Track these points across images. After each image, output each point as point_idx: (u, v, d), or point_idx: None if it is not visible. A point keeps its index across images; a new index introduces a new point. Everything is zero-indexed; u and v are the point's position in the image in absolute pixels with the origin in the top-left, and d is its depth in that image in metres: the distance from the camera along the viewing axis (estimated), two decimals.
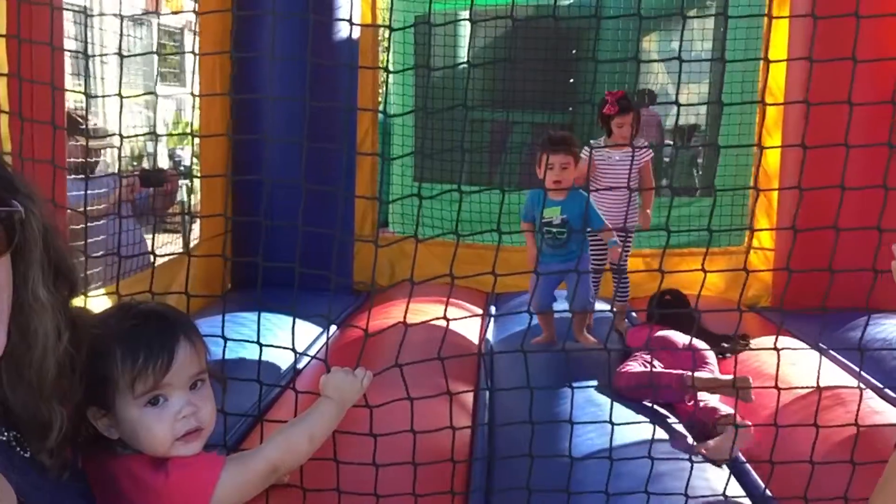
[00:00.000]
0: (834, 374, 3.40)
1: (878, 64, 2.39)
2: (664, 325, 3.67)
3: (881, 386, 3.31)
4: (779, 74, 5.09)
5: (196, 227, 5.48)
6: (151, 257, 2.31)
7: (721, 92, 5.98)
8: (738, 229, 5.60)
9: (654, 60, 7.56)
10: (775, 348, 2.19)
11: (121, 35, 2.22)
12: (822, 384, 2.40)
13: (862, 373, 2.92)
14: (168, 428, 1.45)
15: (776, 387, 2.23)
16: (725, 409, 2.97)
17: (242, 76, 4.42)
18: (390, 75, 6.10)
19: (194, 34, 2.58)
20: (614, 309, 4.56)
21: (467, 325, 4.12)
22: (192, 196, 5.75)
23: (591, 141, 4.75)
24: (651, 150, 4.78)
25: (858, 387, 2.32)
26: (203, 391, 1.50)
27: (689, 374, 3.01)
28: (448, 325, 1.93)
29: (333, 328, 4.33)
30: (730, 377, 2.99)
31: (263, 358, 2.19)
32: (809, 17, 2.11)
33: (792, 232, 2.23)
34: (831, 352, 3.63)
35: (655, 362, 3.28)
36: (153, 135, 2.17)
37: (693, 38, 6.84)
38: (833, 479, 2.18)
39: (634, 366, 3.32)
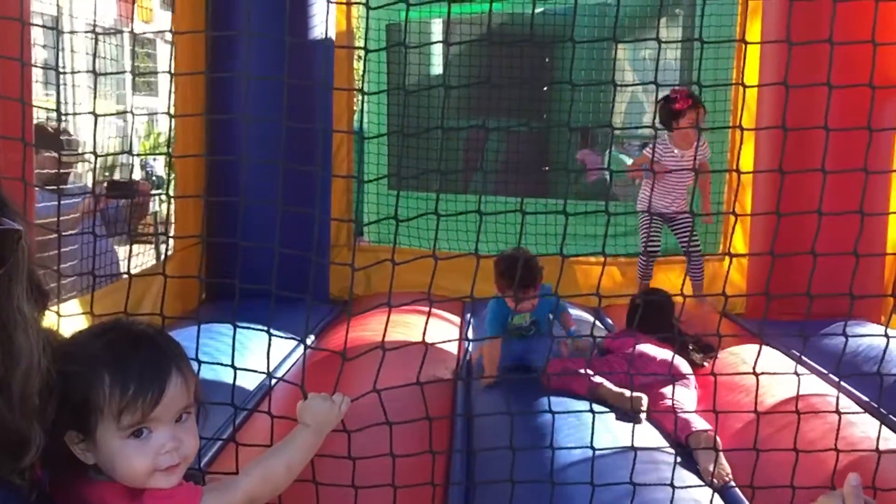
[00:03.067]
0: (810, 382, 3.43)
1: (854, 86, 2.41)
2: (643, 332, 3.66)
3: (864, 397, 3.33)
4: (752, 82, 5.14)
5: (170, 238, 5.41)
6: (122, 268, 2.28)
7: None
8: (717, 254, 5.67)
9: (630, 84, 7.62)
10: (755, 373, 2.21)
11: (94, 55, 2.18)
12: (799, 392, 2.42)
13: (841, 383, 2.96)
14: (149, 462, 1.39)
15: (755, 411, 2.25)
16: (700, 424, 2.97)
17: (217, 87, 4.40)
18: (365, 84, 6.09)
19: (170, 44, 2.55)
20: (688, 291, 4.77)
21: (445, 334, 4.11)
22: (166, 206, 5.68)
23: (655, 143, 4.83)
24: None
25: (837, 411, 2.34)
26: (188, 423, 1.44)
27: (599, 383, 3.15)
28: (427, 349, 1.92)
29: (311, 338, 4.30)
30: (640, 395, 3.12)
31: (237, 374, 2.15)
32: (783, 42, 2.12)
33: (765, 239, 2.24)
34: (804, 358, 3.66)
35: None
36: (129, 153, 2.13)
37: (662, 47, 6.89)
38: (813, 492, 2.19)
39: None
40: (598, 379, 3.18)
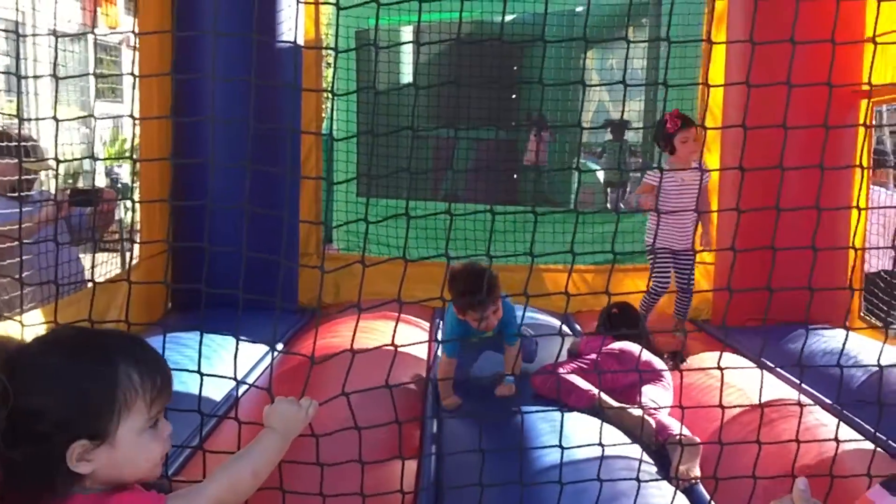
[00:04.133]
0: (775, 386, 3.47)
1: (813, 84, 2.45)
2: (612, 339, 3.69)
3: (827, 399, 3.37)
4: (717, 90, 5.21)
5: (136, 244, 5.34)
6: (85, 277, 2.24)
7: (658, 109, 6.09)
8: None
9: (599, 84, 7.69)
10: (719, 367, 2.22)
11: (55, 62, 2.14)
12: (764, 396, 2.45)
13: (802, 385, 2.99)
14: (162, 449, 1.47)
15: (720, 405, 2.27)
16: (675, 427, 2.99)
17: (183, 90, 4.34)
18: (334, 88, 6.06)
19: (133, 49, 2.51)
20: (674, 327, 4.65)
21: (416, 339, 4.09)
22: (132, 213, 5.61)
23: (654, 167, 4.75)
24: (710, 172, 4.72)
25: (799, 403, 2.37)
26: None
27: (599, 395, 3.05)
28: (396, 353, 1.90)
29: (280, 346, 4.27)
30: (639, 412, 3.03)
31: (204, 382, 2.12)
32: (746, 41, 2.14)
33: (730, 247, 2.26)
34: (769, 363, 3.71)
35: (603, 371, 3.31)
36: (91, 158, 2.10)
37: (630, 57, 6.97)
38: (777, 490, 2.21)
39: (569, 370, 3.31)
40: (604, 396, 3.11)
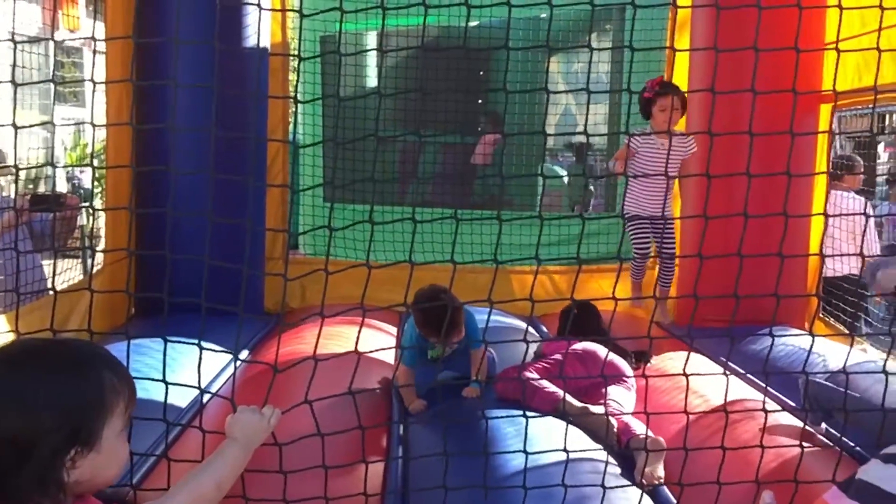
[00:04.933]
0: (736, 387, 3.51)
1: (776, 91, 2.49)
2: (577, 337, 3.70)
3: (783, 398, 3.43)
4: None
5: (98, 251, 5.28)
6: (47, 283, 2.22)
7: (621, 112, 6.15)
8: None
9: (563, 91, 7.74)
10: (684, 373, 2.26)
11: (13, 65, 2.12)
12: (728, 397, 2.49)
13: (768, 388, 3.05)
14: (128, 451, 1.50)
15: (685, 411, 2.30)
16: (639, 428, 3.01)
17: (148, 93, 4.31)
18: (299, 94, 6.03)
19: (94, 52, 2.48)
20: (657, 295, 4.63)
21: (382, 345, 4.09)
22: (94, 219, 5.54)
23: (636, 130, 4.65)
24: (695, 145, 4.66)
25: (764, 409, 2.41)
26: None
27: (564, 398, 3.07)
28: (359, 360, 1.91)
29: (245, 353, 4.24)
30: (602, 411, 3.04)
31: (168, 389, 2.11)
32: (711, 49, 2.18)
33: (695, 249, 2.30)
34: (733, 365, 3.76)
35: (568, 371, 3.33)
36: (51, 165, 2.08)
37: (593, 60, 7.03)
38: (741, 494, 2.26)
39: (534, 374, 3.32)
40: (568, 398, 3.13)
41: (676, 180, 4.74)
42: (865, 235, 4.72)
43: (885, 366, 2.50)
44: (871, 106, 4.39)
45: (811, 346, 2.62)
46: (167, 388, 2.04)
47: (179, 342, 2.66)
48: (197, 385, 2.07)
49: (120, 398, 1.43)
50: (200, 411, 2.44)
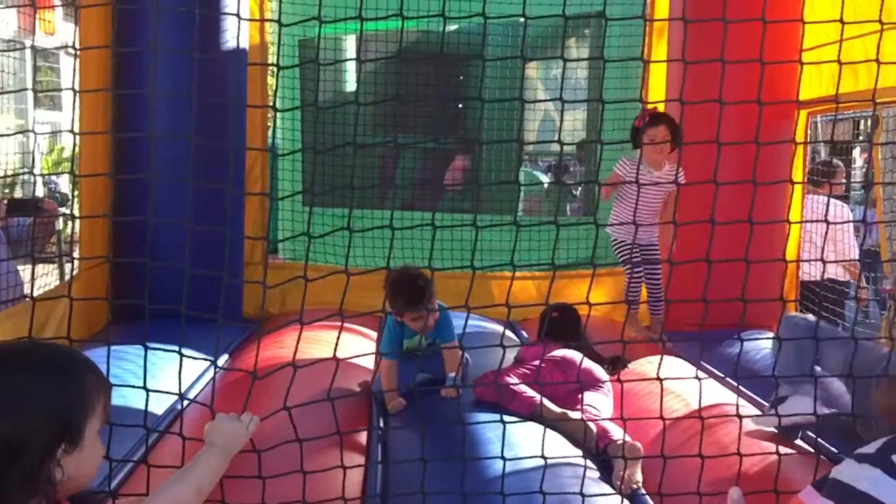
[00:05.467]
0: (714, 390, 3.55)
1: (746, 95, 2.53)
2: (555, 341, 3.71)
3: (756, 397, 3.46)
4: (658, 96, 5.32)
5: (75, 253, 5.23)
6: (24, 290, 2.20)
7: (600, 119, 6.16)
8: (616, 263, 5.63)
9: (539, 101, 7.77)
10: (658, 378, 2.28)
11: None
12: (706, 400, 2.52)
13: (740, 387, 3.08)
14: (103, 450, 1.52)
15: (661, 417, 2.33)
16: (617, 433, 3.03)
17: (126, 98, 4.28)
18: (278, 100, 6.02)
19: (75, 58, 2.45)
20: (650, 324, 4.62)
21: (362, 349, 4.08)
22: (72, 224, 5.50)
23: (625, 157, 4.57)
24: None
25: (738, 414, 2.44)
26: None
27: (541, 403, 3.10)
28: (338, 366, 1.91)
29: (225, 357, 4.22)
30: (578, 416, 3.08)
31: (145, 397, 2.10)
32: (681, 61, 2.22)
33: (676, 255, 2.33)
34: (709, 366, 3.80)
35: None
36: (30, 173, 2.06)
37: (572, 66, 7.06)
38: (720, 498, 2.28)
39: (513, 378, 3.34)
40: (546, 402, 3.15)
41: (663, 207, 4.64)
42: (844, 240, 4.79)
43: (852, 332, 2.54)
44: (846, 112, 4.46)
45: (779, 347, 2.66)
46: (147, 395, 2.04)
47: (159, 349, 2.65)
48: (177, 392, 2.07)
49: (101, 397, 1.46)
50: (179, 417, 2.44)
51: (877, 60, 2.48)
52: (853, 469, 1.77)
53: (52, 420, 1.36)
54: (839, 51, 2.50)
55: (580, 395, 3.33)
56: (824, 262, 2.77)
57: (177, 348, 2.08)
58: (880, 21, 2.50)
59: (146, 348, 2.09)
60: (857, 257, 5.53)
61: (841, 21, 2.44)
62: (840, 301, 5.50)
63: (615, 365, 3.78)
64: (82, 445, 1.41)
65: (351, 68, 7.36)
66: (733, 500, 1.36)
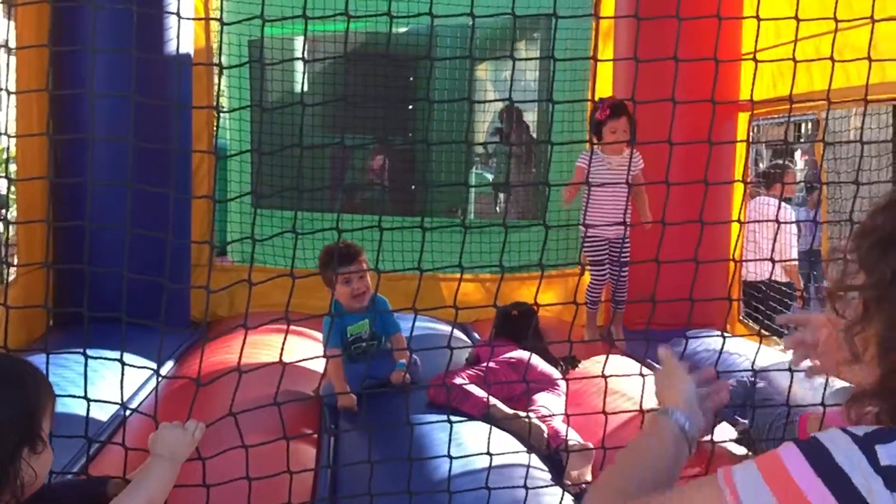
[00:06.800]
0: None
1: (696, 101, 2.56)
2: (509, 340, 3.72)
3: None
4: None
5: (12, 262, 5.08)
6: None
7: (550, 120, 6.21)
8: (569, 264, 5.63)
9: (488, 101, 7.79)
10: (603, 375, 2.31)
11: None
12: (650, 401, 2.54)
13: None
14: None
15: (603, 412, 2.35)
16: (569, 434, 3.05)
17: (64, 99, 4.16)
18: (225, 100, 5.94)
19: (9, 55, 2.36)
20: (612, 320, 4.61)
21: (310, 352, 4.04)
22: (7, 228, 5.34)
23: (584, 153, 4.63)
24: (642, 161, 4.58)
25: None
26: None
27: (488, 402, 3.09)
28: (284, 369, 1.88)
29: (171, 363, 4.14)
30: (532, 419, 3.11)
31: (85, 406, 2.04)
32: (632, 59, 2.23)
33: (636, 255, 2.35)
34: (656, 365, 3.83)
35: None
36: None
37: (522, 69, 7.10)
38: None
39: (465, 380, 3.33)
40: (492, 400, 3.14)
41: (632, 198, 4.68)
42: (784, 241, 4.88)
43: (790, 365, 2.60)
44: (786, 115, 4.57)
45: (721, 347, 2.71)
46: (88, 405, 1.98)
47: (100, 358, 2.59)
48: (119, 401, 2.02)
49: (50, 400, 1.52)
50: (123, 426, 2.38)
51: (831, 58, 2.50)
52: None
53: (17, 425, 1.43)
54: (794, 50, 2.54)
55: (533, 397, 3.34)
56: (773, 262, 2.82)
57: (118, 356, 2.03)
58: (834, 18, 2.53)
59: (86, 357, 2.04)
60: (795, 258, 5.65)
61: (796, 18, 2.46)
62: (784, 301, 5.61)
63: (568, 364, 3.81)
64: (41, 447, 1.47)
65: (300, 69, 7.29)
66: (664, 354, 1.36)
